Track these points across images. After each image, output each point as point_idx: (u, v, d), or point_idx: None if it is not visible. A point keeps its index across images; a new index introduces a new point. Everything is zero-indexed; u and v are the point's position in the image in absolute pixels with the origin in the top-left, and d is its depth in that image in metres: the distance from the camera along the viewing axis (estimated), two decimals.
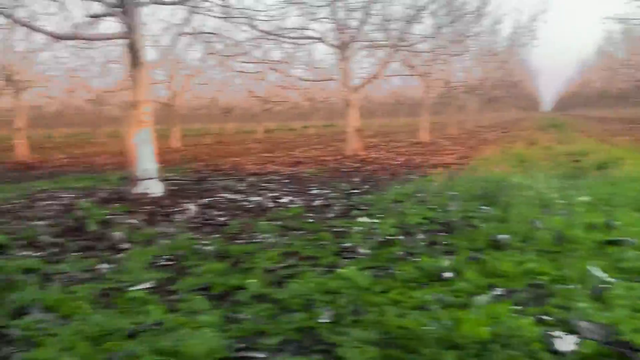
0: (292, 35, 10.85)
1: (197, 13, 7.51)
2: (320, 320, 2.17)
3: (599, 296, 2.24)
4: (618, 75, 27.10)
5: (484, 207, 4.65)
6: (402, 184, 6.59)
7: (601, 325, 1.90)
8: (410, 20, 11.34)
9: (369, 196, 5.72)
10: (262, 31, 9.79)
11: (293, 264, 3.08)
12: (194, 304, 2.43)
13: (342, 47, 11.12)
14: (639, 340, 1.77)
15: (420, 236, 3.75)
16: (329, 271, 2.90)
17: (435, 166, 8.91)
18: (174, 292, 2.70)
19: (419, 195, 5.60)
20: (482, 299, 2.07)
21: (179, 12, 10.49)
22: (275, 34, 10.49)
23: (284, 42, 11.53)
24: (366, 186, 6.75)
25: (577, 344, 1.76)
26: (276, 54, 15.61)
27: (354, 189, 6.46)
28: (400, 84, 29.62)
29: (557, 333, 1.84)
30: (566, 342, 1.76)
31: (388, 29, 11.52)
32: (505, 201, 4.69)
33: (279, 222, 4.37)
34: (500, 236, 3.41)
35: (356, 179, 7.55)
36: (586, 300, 2.21)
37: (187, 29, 7.45)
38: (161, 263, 3.28)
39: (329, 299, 2.43)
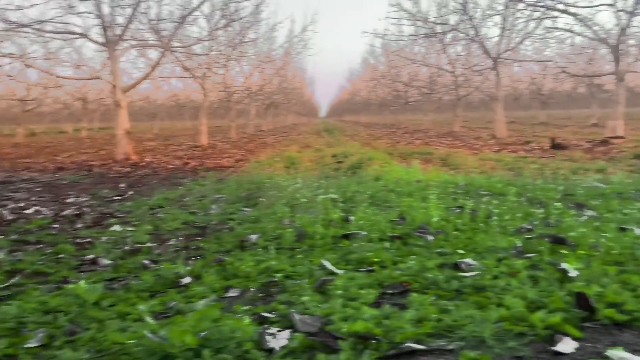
0: (49, 29, 9.84)
1: None
2: (27, 345, 1.92)
3: (322, 288, 2.36)
4: (380, 85, 30.22)
5: (245, 209, 4.71)
6: (170, 189, 6.41)
7: (315, 317, 1.99)
8: (182, 21, 11.13)
9: (131, 202, 5.43)
10: (10, 22, 8.69)
11: (16, 283, 2.72)
12: None
13: (109, 45, 10.45)
14: (346, 328, 1.89)
15: (173, 242, 3.63)
16: (58, 287, 2.62)
17: (209, 169, 8.87)
18: None
19: (185, 199, 5.48)
20: (201, 303, 2.04)
21: None
22: (29, 27, 9.41)
23: (41, 36, 10.41)
24: (131, 192, 6.41)
25: (288, 338, 1.81)
26: (36, 50, 14.12)
27: (116, 196, 6.08)
28: (182, 87, 29.15)
29: (272, 330, 1.88)
30: (278, 338, 1.80)
31: (159, 29, 11.14)
32: (264, 201, 4.82)
33: (15, 236, 3.87)
34: (251, 236, 3.46)
35: (122, 185, 7.14)
36: (310, 293, 2.32)
37: None
38: None
39: (47, 319, 2.17)
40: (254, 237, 3.40)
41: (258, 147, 15.02)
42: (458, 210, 3.99)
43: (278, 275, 2.64)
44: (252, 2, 13.71)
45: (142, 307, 1.98)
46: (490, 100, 17.60)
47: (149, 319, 1.81)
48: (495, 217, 3.60)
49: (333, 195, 4.76)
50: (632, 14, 12.23)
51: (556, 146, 10.82)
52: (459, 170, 6.86)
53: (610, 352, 1.69)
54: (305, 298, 2.24)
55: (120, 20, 10.45)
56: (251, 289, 2.44)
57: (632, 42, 13.76)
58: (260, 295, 2.43)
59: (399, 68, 24.50)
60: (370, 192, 4.74)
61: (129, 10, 10.32)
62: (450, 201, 4.43)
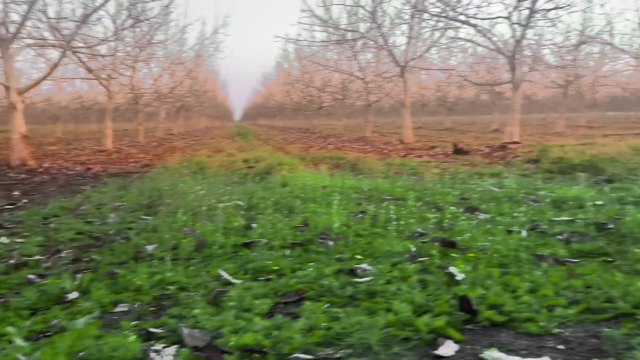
0: None
1: None
2: None
3: (216, 300, 2.32)
4: (293, 90, 30.35)
5: (145, 217, 4.55)
6: (68, 197, 6.08)
7: (204, 331, 1.94)
8: (85, 20, 10.62)
9: (23, 212, 5.10)
10: None
11: None
12: None
13: (2, 43, 9.77)
14: (234, 341, 1.85)
15: (64, 254, 3.44)
16: None
17: (112, 175, 8.52)
18: None
19: (82, 208, 5.22)
20: (81, 320, 1.94)
21: None
22: None
23: None
24: (25, 200, 6.02)
25: (174, 354, 1.76)
26: None
27: (7, 205, 5.70)
28: (88, 88, 27.84)
29: (158, 346, 1.81)
30: (163, 355, 1.74)
31: (59, 28, 10.56)
32: (165, 209, 4.68)
33: None
34: (148, 247, 3.35)
35: (15, 193, 6.70)
36: (203, 306, 2.26)
37: None
38: None
39: None
40: (150, 248, 3.29)
41: (167, 151, 14.61)
42: (360, 216, 4.06)
43: (172, 287, 2.57)
44: (160, 2, 13.35)
45: (10, 328, 1.85)
46: (400, 107, 18.16)
47: (18, 341, 1.69)
48: (393, 222, 3.70)
49: (238, 202, 4.71)
50: (526, 26, 13.06)
51: (458, 151, 11.32)
52: (367, 175, 7.01)
53: (486, 353, 1.77)
54: (197, 311, 2.18)
55: (15, 17, 9.83)
56: (136, 304, 2.35)
57: (526, 52, 14.68)
58: (152, 309, 2.35)
59: (312, 73, 24.73)
60: (276, 198, 4.73)
61: (24, 7, 9.73)
62: (354, 206, 4.51)
